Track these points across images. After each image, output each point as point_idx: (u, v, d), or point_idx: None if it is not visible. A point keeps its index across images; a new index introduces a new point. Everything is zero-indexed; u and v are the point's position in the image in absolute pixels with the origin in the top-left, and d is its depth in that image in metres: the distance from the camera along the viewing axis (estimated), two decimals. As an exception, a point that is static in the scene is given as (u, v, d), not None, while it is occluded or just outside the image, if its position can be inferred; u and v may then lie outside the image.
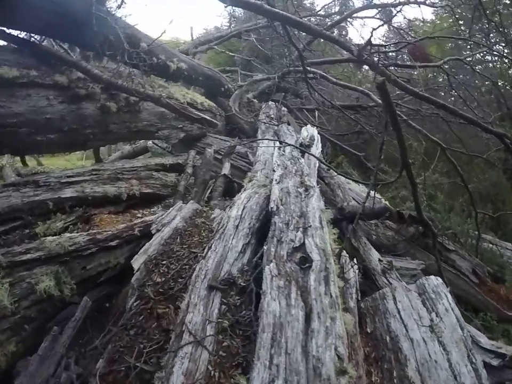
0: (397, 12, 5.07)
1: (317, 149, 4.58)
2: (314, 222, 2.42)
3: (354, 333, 2.29)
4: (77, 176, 3.67)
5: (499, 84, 7.38)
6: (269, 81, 6.24)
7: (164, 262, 3.06)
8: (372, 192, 3.85)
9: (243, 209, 3.21)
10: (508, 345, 2.60)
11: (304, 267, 2.05)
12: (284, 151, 3.95)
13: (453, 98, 7.06)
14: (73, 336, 2.62)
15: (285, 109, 6.46)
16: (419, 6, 6.42)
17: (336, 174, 4.13)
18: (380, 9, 7.03)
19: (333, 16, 7.61)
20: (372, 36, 3.33)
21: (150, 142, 6.02)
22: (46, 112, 3.51)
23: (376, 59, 3.67)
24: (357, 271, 3.08)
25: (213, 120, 4.05)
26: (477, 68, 7.11)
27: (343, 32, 8.91)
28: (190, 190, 4.30)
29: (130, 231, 3.36)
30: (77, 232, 3.13)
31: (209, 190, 4.34)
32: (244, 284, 2.60)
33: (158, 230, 3.39)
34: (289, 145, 3.98)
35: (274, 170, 3.40)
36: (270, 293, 1.94)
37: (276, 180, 3.13)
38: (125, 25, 4.16)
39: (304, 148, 4.16)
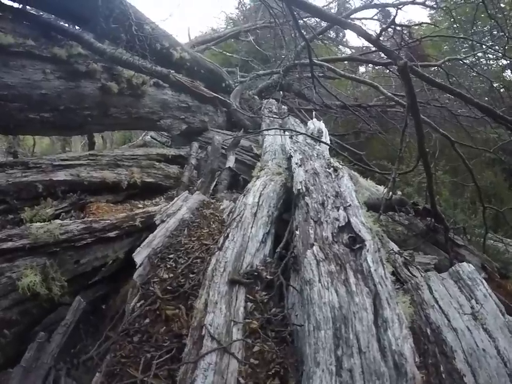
0: (398, 8, 4.82)
1: (325, 140, 4.18)
2: (353, 201, 1.99)
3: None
4: (72, 160, 3.15)
5: (495, 85, 7.23)
6: (273, 75, 5.84)
7: (171, 256, 2.60)
8: (391, 183, 3.47)
9: (260, 197, 2.78)
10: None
11: (356, 248, 1.60)
12: (297, 139, 3.53)
13: (452, 97, 6.86)
14: (64, 344, 2.10)
15: (285, 107, 6.09)
16: (419, 5, 6.17)
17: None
18: (379, 9, 6.81)
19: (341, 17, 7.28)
20: (396, 15, 2.98)
21: (148, 137, 5.52)
22: (41, 86, 3.11)
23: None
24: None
25: (226, 99, 3.61)
26: (473, 70, 6.95)
27: (341, 34, 8.71)
28: (194, 182, 3.82)
29: (131, 222, 2.86)
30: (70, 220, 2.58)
31: (214, 183, 3.86)
32: (270, 277, 2.14)
33: (162, 221, 2.92)
34: (301, 133, 3.57)
35: (291, 156, 2.97)
36: (319, 280, 1.48)
37: (297, 163, 2.70)
38: (129, 5, 3.72)
39: (316, 137, 3.74)
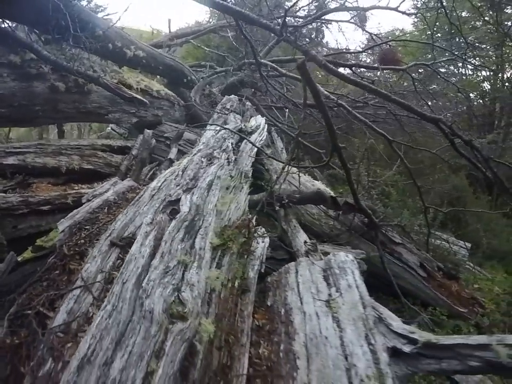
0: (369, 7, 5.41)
1: (259, 136, 4.84)
2: (202, 183, 2.80)
3: (246, 302, 2.41)
4: (23, 148, 4.13)
5: (471, 96, 7.72)
6: (227, 73, 6.64)
7: (87, 227, 3.45)
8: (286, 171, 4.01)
9: (163, 182, 3.59)
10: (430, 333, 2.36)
11: (173, 217, 2.44)
12: (215, 133, 4.33)
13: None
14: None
15: (250, 104, 6.82)
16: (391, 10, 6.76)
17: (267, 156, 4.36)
18: (355, 12, 7.40)
19: (311, 18, 7.88)
20: (289, 9, 3.69)
21: (109, 128, 6.47)
22: (-1, 87, 4.02)
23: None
24: (265, 244, 3.15)
25: (143, 99, 4.51)
26: (452, 80, 7.46)
27: (320, 35, 9.36)
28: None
29: (63, 200, 3.76)
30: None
31: (151, 172, 4.75)
32: (144, 243, 3.02)
33: (88, 200, 3.80)
34: (225, 128, 4.33)
35: (196, 148, 3.80)
36: (137, 238, 2.33)
37: (193, 153, 3.53)
38: (80, 11, 4.61)
39: (242, 134, 4.53)
